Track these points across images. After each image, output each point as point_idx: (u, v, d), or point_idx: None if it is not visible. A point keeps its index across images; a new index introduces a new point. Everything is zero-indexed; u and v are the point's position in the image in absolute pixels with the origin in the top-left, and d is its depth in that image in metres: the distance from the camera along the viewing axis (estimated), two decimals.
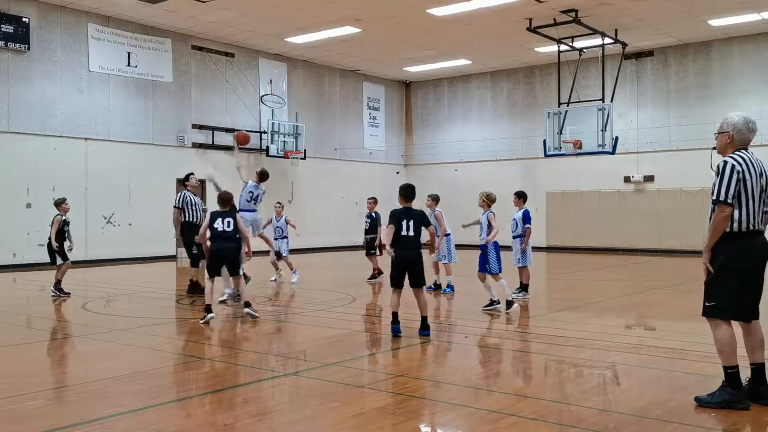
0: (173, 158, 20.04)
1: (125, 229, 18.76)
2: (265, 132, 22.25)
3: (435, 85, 27.34)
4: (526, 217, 10.81)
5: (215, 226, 8.88)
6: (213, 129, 21.25)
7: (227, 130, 21.57)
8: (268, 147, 22.04)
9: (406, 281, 7.82)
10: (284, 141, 22.47)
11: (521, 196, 11.01)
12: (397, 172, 27.61)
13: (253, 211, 11.77)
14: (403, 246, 7.68)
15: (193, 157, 20.69)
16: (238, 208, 11.32)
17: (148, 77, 19.66)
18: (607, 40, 19.76)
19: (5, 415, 4.93)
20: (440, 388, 5.68)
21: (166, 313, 10.16)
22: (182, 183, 12.21)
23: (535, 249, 22.76)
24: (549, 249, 23.36)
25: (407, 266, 7.70)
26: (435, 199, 11.79)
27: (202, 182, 20.89)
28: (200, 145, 20.95)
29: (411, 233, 7.67)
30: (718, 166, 4.81)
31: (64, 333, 8.87)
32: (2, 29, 16.60)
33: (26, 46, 17.06)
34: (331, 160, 25.03)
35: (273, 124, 22.21)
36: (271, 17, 18.77)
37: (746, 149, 4.93)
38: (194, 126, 20.81)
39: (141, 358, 7.23)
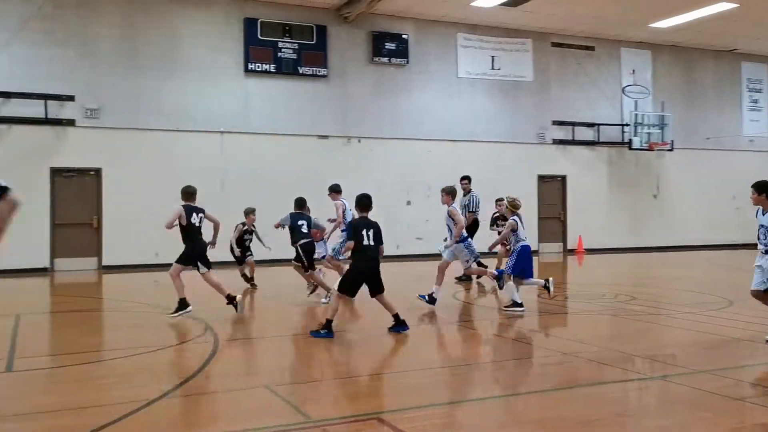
0: (533, 155, 20.55)
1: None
2: (627, 125, 21.44)
3: None
4: None
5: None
6: (573, 124, 21.18)
7: (588, 125, 21.31)
8: (630, 140, 21.19)
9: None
10: (648, 132, 21.38)
11: (763, 190, 7.21)
12: None
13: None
14: (365, 255, 7.77)
15: (554, 153, 20.92)
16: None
17: (510, 78, 20.41)
18: None
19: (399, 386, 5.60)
20: None
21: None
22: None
23: None
24: None
25: (369, 275, 7.81)
26: (449, 192, 10.01)
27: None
28: (560, 141, 21.07)
29: (371, 243, 7.80)
30: None
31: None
32: (386, 47, 18.84)
33: (405, 60, 19.09)
34: (701, 150, 22.96)
35: (636, 115, 21.28)
36: (633, 4, 17.97)
37: None
38: (554, 122, 20.99)
39: (504, 348, 7.60)
